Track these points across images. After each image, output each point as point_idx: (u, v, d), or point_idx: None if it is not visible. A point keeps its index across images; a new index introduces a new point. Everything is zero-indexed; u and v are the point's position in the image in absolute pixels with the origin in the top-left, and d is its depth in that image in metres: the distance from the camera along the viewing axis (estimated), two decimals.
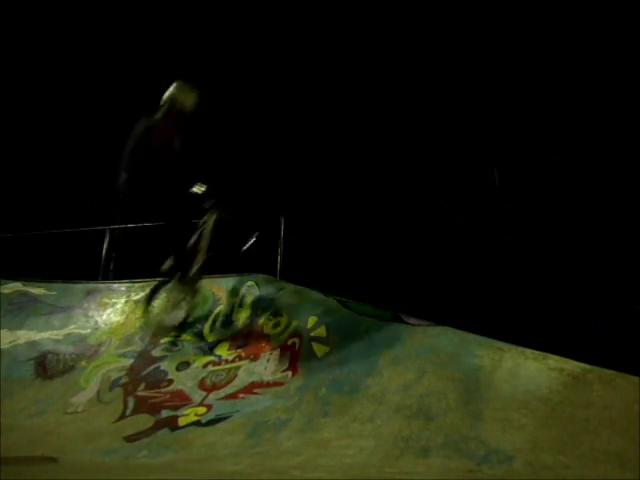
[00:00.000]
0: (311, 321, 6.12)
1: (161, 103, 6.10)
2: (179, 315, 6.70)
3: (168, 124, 5.98)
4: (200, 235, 6.46)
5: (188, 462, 4.07)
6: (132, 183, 5.86)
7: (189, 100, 6.14)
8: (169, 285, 6.65)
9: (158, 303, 6.86)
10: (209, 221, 6.52)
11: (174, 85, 6.17)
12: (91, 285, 8.03)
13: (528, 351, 4.60)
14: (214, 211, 6.53)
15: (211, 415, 5.16)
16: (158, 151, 5.80)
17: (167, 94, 6.12)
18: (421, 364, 4.86)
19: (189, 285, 6.60)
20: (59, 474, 3.64)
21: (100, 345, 6.95)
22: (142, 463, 4.20)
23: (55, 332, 7.21)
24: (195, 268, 6.48)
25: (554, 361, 4.38)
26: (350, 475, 3.38)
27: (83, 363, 6.65)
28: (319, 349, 5.67)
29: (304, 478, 3.35)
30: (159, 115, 6.05)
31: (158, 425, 5.16)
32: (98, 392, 6.04)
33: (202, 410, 5.29)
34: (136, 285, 7.83)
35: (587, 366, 4.22)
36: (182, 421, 5.15)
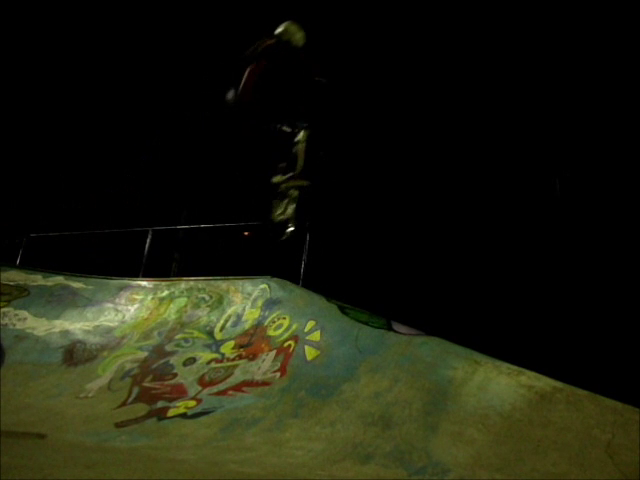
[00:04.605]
0: (309, 325, 6.21)
1: (275, 35, 6.07)
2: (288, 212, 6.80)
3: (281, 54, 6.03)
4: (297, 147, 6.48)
5: (152, 449, 4.31)
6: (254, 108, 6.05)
7: (301, 37, 6.10)
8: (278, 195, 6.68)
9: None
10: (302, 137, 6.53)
11: (286, 23, 6.26)
12: (124, 281, 8.61)
13: (504, 365, 4.43)
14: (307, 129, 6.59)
15: (198, 409, 5.40)
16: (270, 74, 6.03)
17: (280, 29, 6.08)
18: (397, 373, 4.81)
19: (298, 182, 6.59)
20: (31, 448, 3.98)
21: (123, 338, 7.43)
22: (112, 446, 4.49)
23: (87, 323, 7.81)
24: (299, 166, 6.49)
25: (527, 378, 4.20)
26: (279, 475, 3.45)
27: (105, 353, 7.15)
28: (310, 352, 5.74)
29: (234, 471, 3.46)
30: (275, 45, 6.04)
31: (150, 414, 5.47)
32: (110, 380, 6.47)
33: (192, 403, 5.54)
34: (163, 284, 8.29)
35: (559, 385, 4.01)
36: (171, 412, 5.42)
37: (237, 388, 5.64)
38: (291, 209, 6.29)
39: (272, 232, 6.42)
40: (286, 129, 6.16)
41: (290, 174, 6.21)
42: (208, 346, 6.78)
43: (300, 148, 6.21)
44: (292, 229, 6.28)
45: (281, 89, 6.15)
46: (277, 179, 6.33)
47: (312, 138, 6.26)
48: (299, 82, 6.17)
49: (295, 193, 6.26)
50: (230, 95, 6.05)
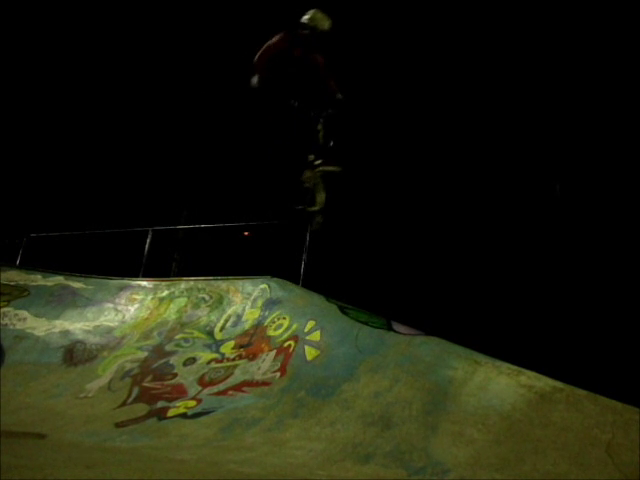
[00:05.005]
0: (309, 325, 6.20)
1: (302, 22, 6.17)
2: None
3: (308, 41, 6.13)
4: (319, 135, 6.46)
5: (152, 449, 4.31)
6: (266, 84, 6.09)
7: (327, 23, 6.17)
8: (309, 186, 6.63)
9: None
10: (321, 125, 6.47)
11: (312, 11, 6.22)
12: (124, 281, 8.61)
13: (504, 366, 4.43)
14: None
15: (198, 409, 5.39)
16: (294, 61, 6.12)
17: (308, 16, 6.18)
18: (397, 373, 4.81)
19: (330, 168, 6.50)
20: (31, 448, 3.98)
21: (123, 338, 7.43)
22: (112, 446, 4.49)
23: (87, 323, 7.81)
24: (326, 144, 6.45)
25: (527, 378, 4.20)
26: (279, 475, 3.45)
27: (105, 353, 7.15)
28: (310, 352, 5.74)
29: (234, 471, 3.46)
30: (302, 32, 6.14)
31: (150, 414, 5.47)
32: (110, 380, 6.47)
33: (192, 403, 5.54)
34: (163, 284, 8.29)
35: (559, 385, 4.01)
36: (171, 412, 5.42)
37: (237, 388, 5.64)
38: (322, 198, 6.30)
39: (305, 221, 6.41)
40: (298, 106, 6.18)
41: (319, 161, 6.25)
42: (208, 346, 6.78)
43: (320, 136, 6.26)
44: (321, 218, 6.29)
45: (295, 75, 6.17)
46: (308, 174, 6.36)
47: (328, 124, 6.28)
48: (315, 78, 6.21)
49: (323, 181, 6.29)
50: (254, 80, 6.07)
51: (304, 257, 8.66)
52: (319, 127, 6.31)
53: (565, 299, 6.17)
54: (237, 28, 12.89)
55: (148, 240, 10.16)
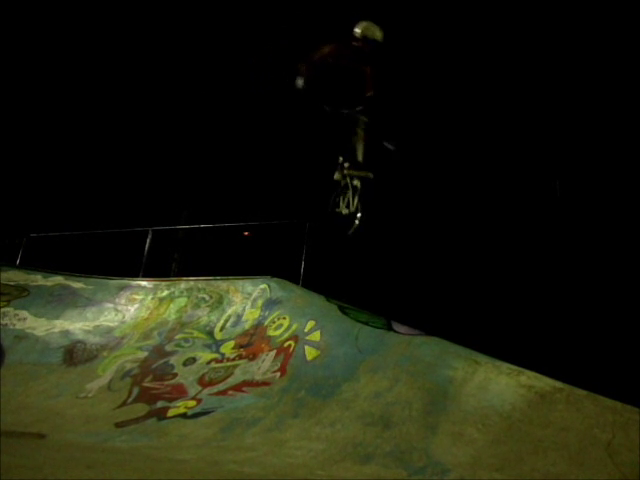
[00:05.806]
0: (309, 325, 6.21)
1: (355, 34, 6.10)
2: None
3: (360, 53, 6.07)
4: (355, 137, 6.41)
5: (152, 449, 4.31)
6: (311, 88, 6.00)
7: (379, 32, 6.11)
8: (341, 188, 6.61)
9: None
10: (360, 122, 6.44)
11: (364, 22, 6.17)
12: (124, 281, 8.62)
13: (504, 366, 4.43)
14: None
15: (198, 409, 5.40)
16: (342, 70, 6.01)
17: (360, 27, 6.12)
18: (397, 373, 4.81)
19: (362, 173, 6.49)
20: (31, 448, 3.99)
21: (123, 338, 7.44)
22: (112, 446, 4.50)
23: (87, 323, 7.81)
24: (360, 154, 6.42)
25: (527, 378, 4.20)
26: (279, 475, 3.45)
27: (105, 353, 7.15)
28: (310, 352, 5.74)
29: (234, 471, 3.46)
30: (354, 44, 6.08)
31: (150, 414, 5.47)
32: (111, 380, 6.48)
33: (192, 403, 5.54)
34: (163, 284, 8.30)
35: (559, 385, 4.01)
36: (171, 412, 5.42)
37: (237, 388, 5.64)
38: (355, 201, 6.26)
39: (338, 226, 6.38)
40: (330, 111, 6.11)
41: (348, 164, 6.21)
42: (208, 346, 6.78)
43: (359, 136, 6.19)
44: (358, 222, 6.25)
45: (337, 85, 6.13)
46: (338, 176, 6.34)
47: (370, 127, 6.20)
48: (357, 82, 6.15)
49: (358, 184, 6.24)
50: (299, 83, 6.03)
51: (304, 257, 8.67)
52: (358, 130, 6.24)
53: (565, 299, 6.17)
54: (237, 28, 12.88)
55: (148, 240, 10.17)
